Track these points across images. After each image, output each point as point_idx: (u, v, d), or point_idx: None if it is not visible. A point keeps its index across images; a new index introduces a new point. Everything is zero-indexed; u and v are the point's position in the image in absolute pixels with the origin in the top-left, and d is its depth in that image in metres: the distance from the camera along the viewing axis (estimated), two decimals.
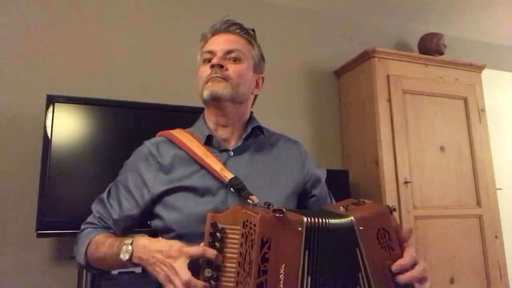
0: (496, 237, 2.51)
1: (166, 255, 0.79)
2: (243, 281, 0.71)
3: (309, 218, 0.74)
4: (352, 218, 0.79)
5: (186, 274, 0.75)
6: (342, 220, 0.78)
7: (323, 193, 1.12)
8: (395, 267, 0.78)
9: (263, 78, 1.10)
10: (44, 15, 2.17)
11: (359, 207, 0.85)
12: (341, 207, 0.85)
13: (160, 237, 0.98)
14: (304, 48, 2.75)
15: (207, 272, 0.75)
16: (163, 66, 2.35)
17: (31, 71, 2.08)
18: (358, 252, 0.78)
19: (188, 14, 2.47)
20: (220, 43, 1.01)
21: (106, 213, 1.01)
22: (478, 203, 2.52)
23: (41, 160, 1.77)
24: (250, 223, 0.72)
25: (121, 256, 0.86)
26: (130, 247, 0.85)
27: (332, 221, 0.77)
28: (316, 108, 2.71)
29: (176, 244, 0.80)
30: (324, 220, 0.76)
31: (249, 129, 1.04)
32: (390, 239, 0.80)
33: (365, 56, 2.49)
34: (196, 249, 0.76)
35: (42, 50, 2.13)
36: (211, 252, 0.75)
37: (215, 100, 0.98)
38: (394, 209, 0.82)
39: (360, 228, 0.78)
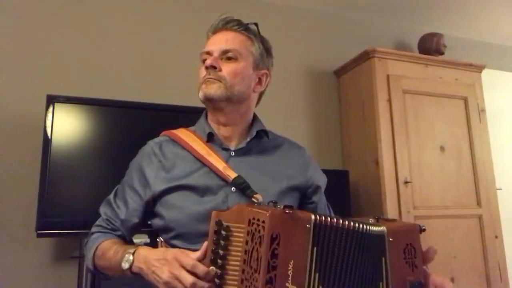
0: (496, 237, 2.51)
1: (163, 262, 0.79)
2: (249, 278, 0.71)
3: (317, 216, 0.74)
4: (384, 228, 0.80)
5: (189, 277, 0.75)
6: (373, 227, 0.79)
7: (322, 202, 1.12)
8: None
9: (267, 74, 1.08)
10: (44, 15, 2.17)
11: (390, 221, 0.87)
12: (370, 219, 0.87)
13: (159, 238, 0.98)
14: (304, 48, 2.75)
15: (211, 270, 0.75)
16: (163, 66, 2.34)
17: (31, 71, 2.08)
18: (384, 262, 0.79)
19: (188, 14, 2.47)
20: (216, 43, 1.01)
21: (114, 214, 1.01)
22: (478, 203, 2.52)
23: (41, 160, 1.77)
24: (258, 220, 0.72)
25: (122, 264, 0.86)
26: (131, 257, 0.86)
27: (355, 224, 0.77)
28: (316, 108, 2.71)
29: (171, 252, 0.80)
30: (335, 220, 0.76)
31: (254, 133, 1.04)
32: (416, 256, 0.82)
33: (365, 56, 2.49)
34: (189, 260, 0.76)
35: (42, 50, 2.12)
36: (201, 269, 0.75)
37: (209, 101, 0.99)
38: (424, 229, 0.84)
39: (390, 239, 0.80)
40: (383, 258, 0.79)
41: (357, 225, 0.77)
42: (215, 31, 1.03)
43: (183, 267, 0.76)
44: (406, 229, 0.84)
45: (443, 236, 2.35)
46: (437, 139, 2.49)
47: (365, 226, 0.78)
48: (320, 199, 1.10)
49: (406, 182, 2.33)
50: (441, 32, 2.87)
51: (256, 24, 1.07)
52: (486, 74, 2.79)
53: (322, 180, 1.12)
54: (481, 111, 2.67)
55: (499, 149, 2.97)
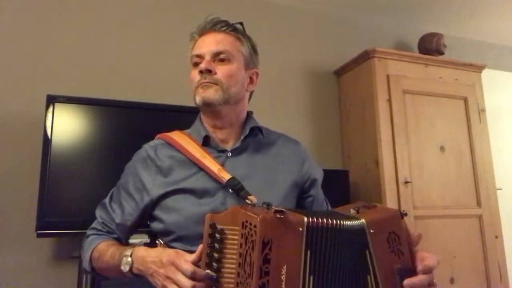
0: (496, 237, 2.51)
1: (159, 265, 0.79)
2: (243, 281, 0.71)
3: (310, 218, 0.74)
4: (363, 220, 0.79)
5: (186, 281, 0.75)
6: (352, 222, 0.78)
7: (320, 195, 1.12)
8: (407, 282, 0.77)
9: (257, 73, 1.08)
10: (44, 15, 2.17)
11: (370, 210, 0.85)
12: (351, 210, 0.85)
13: (159, 240, 0.98)
14: (304, 48, 2.75)
15: (207, 274, 0.75)
16: (163, 66, 2.34)
17: (31, 71, 2.08)
18: (368, 255, 0.78)
19: (188, 13, 2.47)
20: (207, 45, 0.99)
21: (109, 217, 1.02)
22: (478, 203, 2.52)
23: (41, 160, 1.78)
24: (250, 224, 0.72)
25: (122, 267, 0.87)
26: (129, 259, 0.86)
27: (340, 222, 0.76)
28: (316, 108, 2.71)
29: (167, 254, 0.80)
30: (327, 220, 0.75)
31: (247, 130, 1.04)
32: (401, 243, 0.80)
33: (365, 56, 2.49)
34: (188, 267, 0.75)
35: (42, 50, 2.13)
36: (200, 274, 0.75)
37: (208, 106, 0.98)
38: (406, 214, 0.82)
39: (371, 231, 0.78)
40: (367, 251, 0.78)
41: (339, 222, 0.76)
42: (202, 32, 1.02)
43: (181, 272, 0.76)
44: (386, 217, 0.82)
45: (443, 236, 2.35)
46: (437, 139, 2.49)
47: (343, 222, 0.76)
48: (317, 193, 1.10)
49: (406, 182, 2.33)
50: (441, 32, 2.87)
51: (241, 23, 1.06)
52: (486, 74, 2.78)
53: (318, 174, 1.12)
54: (481, 111, 2.67)
55: (499, 149, 2.96)
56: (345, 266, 0.76)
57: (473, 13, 2.97)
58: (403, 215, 0.82)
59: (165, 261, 0.79)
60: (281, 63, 2.61)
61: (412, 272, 0.79)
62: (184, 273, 0.75)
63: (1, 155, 1.96)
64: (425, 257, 0.81)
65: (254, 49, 1.08)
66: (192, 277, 0.75)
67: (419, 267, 0.79)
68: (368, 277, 0.77)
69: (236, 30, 1.03)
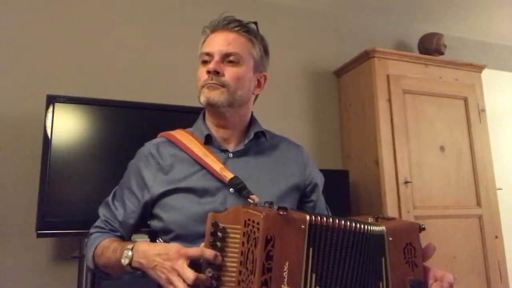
0: (496, 237, 2.51)
1: (165, 258, 0.79)
2: (245, 279, 0.71)
3: (313, 217, 0.74)
4: (383, 227, 0.80)
5: (191, 274, 0.74)
6: (373, 227, 0.79)
7: (321, 202, 1.12)
8: None
9: (265, 76, 1.07)
10: (44, 15, 2.17)
11: (389, 220, 0.87)
12: (369, 218, 0.86)
13: (159, 239, 0.98)
14: (304, 48, 2.75)
15: (208, 272, 0.75)
16: (163, 66, 2.34)
17: (31, 71, 2.08)
18: (383, 262, 0.78)
19: (189, 14, 2.47)
20: (218, 44, 0.98)
21: (112, 215, 1.02)
22: (478, 203, 2.52)
23: (41, 160, 1.77)
24: (253, 221, 0.72)
25: (122, 261, 0.86)
26: (130, 252, 0.86)
27: (352, 224, 0.76)
28: (316, 108, 2.71)
29: (174, 247, 0.80)
30: (333, 220, 0.75)
31: (252, 134, 1.03)
32: (416, 255, 0.81)
33: (365, 56, 2.49)
34: (195, 250, 0.76)
35: (42, 50, 2.13)
36: (209, 253, 0.75)
37: (212, 107, 0.98)
38: (424, 228, 0.84)
39: (390, 238, 0.79)
40: (383, 258, 0.78)
41: (355, 225, 0.77)
42: (215, 29, 1.01)
43: (189, 257, 0.76)
44: (406, 228, 0.84)
45: (443, 236, 2.35)
46: (437, 139, 2.49)
47: (364, 226, 0.77)
48: (318, 198, 1.10)
49: (406, 182, 2.33)
50: (441, 32, 2.87)
51: (255, 23, 1.05)
52: (486, 74, 2.78)
53: (319, 179, 1.12)
54: (481, 111, 2.67)
55: (499, 149, 2.96)
56: (356, 268, 0.76)
57: (473, 13, 2.97)
58: (421, 228, 0.83)
59: (173, 253, 0.78)
60: (281, 63, 2.61)
61: (423, 285, 0.80)
62: (193, 255, 0.76)
63: (1, 155, 1.96)
64: (443, 275, 0.81)
65: (265, 51, 1.06)
66: (201, 256, 0.75)
67: (441, 282, 0.80)
68: (380, 283, 0.78)
69: (249, 32, 1.02)
